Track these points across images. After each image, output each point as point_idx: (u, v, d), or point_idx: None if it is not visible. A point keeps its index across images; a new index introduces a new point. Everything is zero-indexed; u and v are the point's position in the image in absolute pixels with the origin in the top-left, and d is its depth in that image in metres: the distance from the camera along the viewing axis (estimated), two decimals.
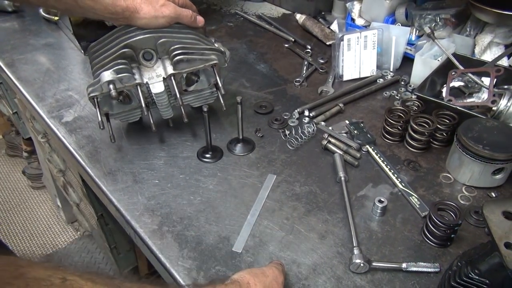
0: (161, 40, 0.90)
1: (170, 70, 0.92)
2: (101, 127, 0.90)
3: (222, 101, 0.99)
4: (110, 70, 0.87)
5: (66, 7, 0.86)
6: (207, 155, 0.98)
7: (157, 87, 0.92)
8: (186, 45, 0.92)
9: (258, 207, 0.86)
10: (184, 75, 0.95)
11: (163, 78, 0.93)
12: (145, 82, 0.92)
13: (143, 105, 0.91)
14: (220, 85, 0.96)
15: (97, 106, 0.90)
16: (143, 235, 0.81)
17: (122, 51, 0.90)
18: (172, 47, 0.91)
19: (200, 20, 0.95)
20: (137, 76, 0.90)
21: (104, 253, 2.12)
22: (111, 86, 0.86)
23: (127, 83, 0.89)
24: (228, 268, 0.75)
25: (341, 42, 1.26)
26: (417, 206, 0.86)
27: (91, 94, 0.89)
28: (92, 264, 2.12)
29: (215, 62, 0.94)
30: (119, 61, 0.89)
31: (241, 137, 1.00)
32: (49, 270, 0.43)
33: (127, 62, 0.90)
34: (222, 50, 0.97)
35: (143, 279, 0.51)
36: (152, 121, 0.95)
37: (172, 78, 0.92)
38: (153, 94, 0.93)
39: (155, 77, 0.93)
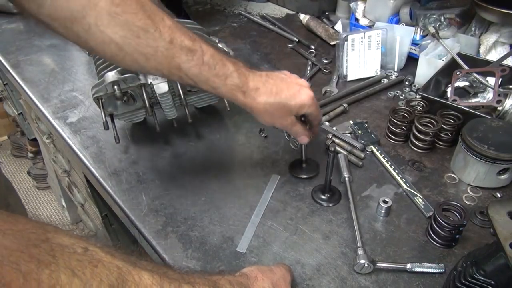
0: None
1: None
2: (106, 128, 0.90)
3: (226, 102, 0.99)
4: (115, 71, 0.87)
5: (186, 85, 0.84)
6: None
7: (162, 88, 0.92)
8: None
9: (262, 207, 0.86)
10: None
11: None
12: (149, 83, 0.92)
13: (148, 105, 0.91)
14: None
15: (101, 107, 0.91)
16: (148, 235, 0.81)
17: None
18: None
19: (303, 140, 0.87)
20: (141, 77, 0.91)
21: None
22: (115, 86, 0.86)
23: (132, 83, 0.89)
24: (232, 269, 0.75)
25: (345, 42, 1.26)
26: (422, 206, 0.85)
27: (96, 95, 0.89)
28: None
29: None
30: None
31: (304, 158, 0.95)
32: (73, 238, 0.45)
33: None
34: (226, 50, 0.97)
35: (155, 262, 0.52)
36: (156, 122, 0.96)
37: None
38: (157, 95, 0.93)
39: (159, 78, 0.93)
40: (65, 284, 0.40)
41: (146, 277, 0.48)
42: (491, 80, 1.05)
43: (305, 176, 0.93)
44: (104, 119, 0.91)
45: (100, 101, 0.90)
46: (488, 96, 1.08)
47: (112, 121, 0.95)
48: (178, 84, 0.92)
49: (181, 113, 1.00)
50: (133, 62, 0.70)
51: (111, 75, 0.86)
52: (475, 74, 1.07)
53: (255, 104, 0.77)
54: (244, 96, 0.77)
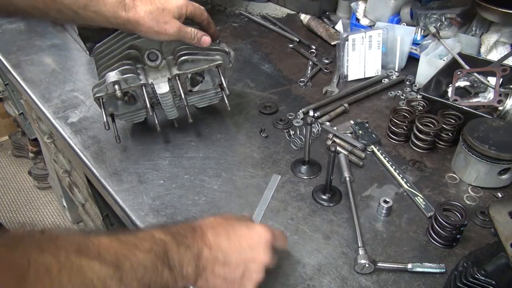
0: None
1: (175, 70, 0.92)
2: (106, 128, 0.90)
3: (226, 102, 0.99)
4: (115, 71, 0.87)
5: (67, 19, 0.85)
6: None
7: (162, 88, 0.93)
8: (191, 46, 0.92)
9: (262, 207, 0.86)
10: (189, 75, 0.95)
11: (168, 78, 0.93)
12: (150, 83, 0.92)
13: (148, 105, 0.91)
14: (225, 85, 0.97)
15: (102, 107, 0.91)
16: None
17: (127, 52, 0.90)
18: (177, 48, 0.92)
19: (205, 41, 0.89)
20: (142, 77, 0.91)
21: None
22: (116, 86, 0.86)
23: (132, 83, 0.89)
24: None
25: (346, 42, 1.25)
26: (423, 206, 0.85)
27: (97, 95, 0.89)
28: None
29: (219, 62, 0.94)
30: (124, 61, 0.90)
31: (307, 159, 0.94)
32: (25, 230, 0.49)
33: (132, 62, 0.90)
34: (227, 50, 0.97)
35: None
36: (157, 122, 0.96)
37: (177, 78, 0.92)
38: (158, 95, 0.93)
39: (160, 78, 0.93)
40: (37, 258, 0.43)
41: (103, 238, 0.51)
42: (492, 80, 1.05)
43: (308, 177, 0.93)
44: (105, 119, 0.91)
45: (101, 101, 0.90)
46: (489, 96, 1.08)
47: (113, 121, 0.95)
48: (179, 84, 0.92)
49: (181, 113, 1.00)
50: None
51: (112, 75, 0.86)
52: (476, 74, 1.07)
53: (137, 15, 0.81)
54: (125, 11, 0.80)
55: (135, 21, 0.82)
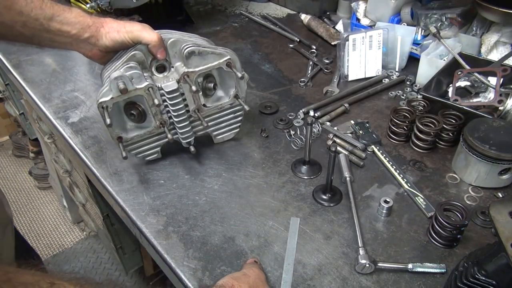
0: (171, 40, 0.88)
1: (183, 69, 0.89)
2: (124, 157, 0.87)
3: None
4: (121, 69, 0.84)
5: (33, 34, 0.83)
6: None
7: (170, 86, 0.88)
8: (197, 42, 0.90)
9: (291, 260, 0.76)
10: (199, 79, 0.91)
11: (177, 81, 0.90)
12: (158, 86, 0.88)
13: (156, 103, 0.84)
14: (241, 95, 0.93)
15: (105, 111, 0.85)
16: (149, 235, 0.81)
17: (132, 54, 0.86)
18: (184, 44, 0.88)
19: (162, 53, 0.88)
20: (146, 74, 0.87)
21: (110, 253, 2.13)
22: (119, 82, 0.82)
23: (137, 82, 0.84)
24: (233, 268, 0.75)
25: (346, 42, 1.25)
26: (423, 206, 0.85)
27: (101, 100, 0.84)
28: (98, 264, 2.13)
29: (228, 58, 0.90)
30: (129, 63, 0.87)
31: (307, 159, 0.94)
32: (37, 276, 0.46)
33: (137, 65, 0.87)
34: (239, 75, 0.94)
35: None
36: (181, 141, 0.93)
37: (187, 78, 0.88)
38: (166, 96, 0.89)
39: (170, 81, 0.90)
40: None
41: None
42: (493, 80, 1.05)
43: (308, 177, 0.93)
44: (108, 122, 0.85)
45: (104, 109, 0.84)
46: (489, 96, 1.08)
47: (121, 141, 0.90)
48: (190, 83, 0.87)
49: None
50: None
51: (117, 72, 0.83)
52: (476, 74, 1.07)
53: (102, 19, 0.87)
54: (90, 18, 0.86)
55: (99, 23, 0.85)
